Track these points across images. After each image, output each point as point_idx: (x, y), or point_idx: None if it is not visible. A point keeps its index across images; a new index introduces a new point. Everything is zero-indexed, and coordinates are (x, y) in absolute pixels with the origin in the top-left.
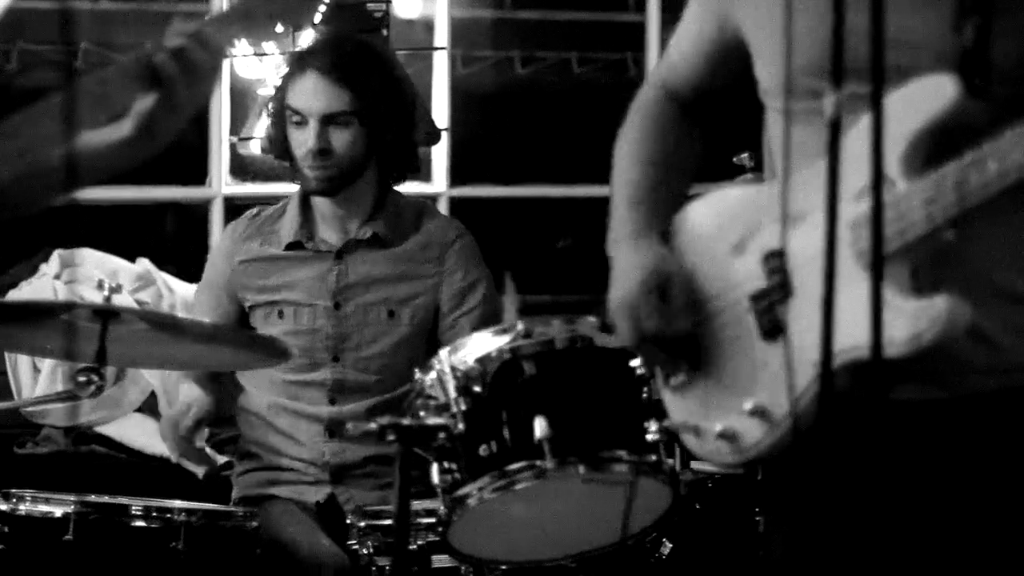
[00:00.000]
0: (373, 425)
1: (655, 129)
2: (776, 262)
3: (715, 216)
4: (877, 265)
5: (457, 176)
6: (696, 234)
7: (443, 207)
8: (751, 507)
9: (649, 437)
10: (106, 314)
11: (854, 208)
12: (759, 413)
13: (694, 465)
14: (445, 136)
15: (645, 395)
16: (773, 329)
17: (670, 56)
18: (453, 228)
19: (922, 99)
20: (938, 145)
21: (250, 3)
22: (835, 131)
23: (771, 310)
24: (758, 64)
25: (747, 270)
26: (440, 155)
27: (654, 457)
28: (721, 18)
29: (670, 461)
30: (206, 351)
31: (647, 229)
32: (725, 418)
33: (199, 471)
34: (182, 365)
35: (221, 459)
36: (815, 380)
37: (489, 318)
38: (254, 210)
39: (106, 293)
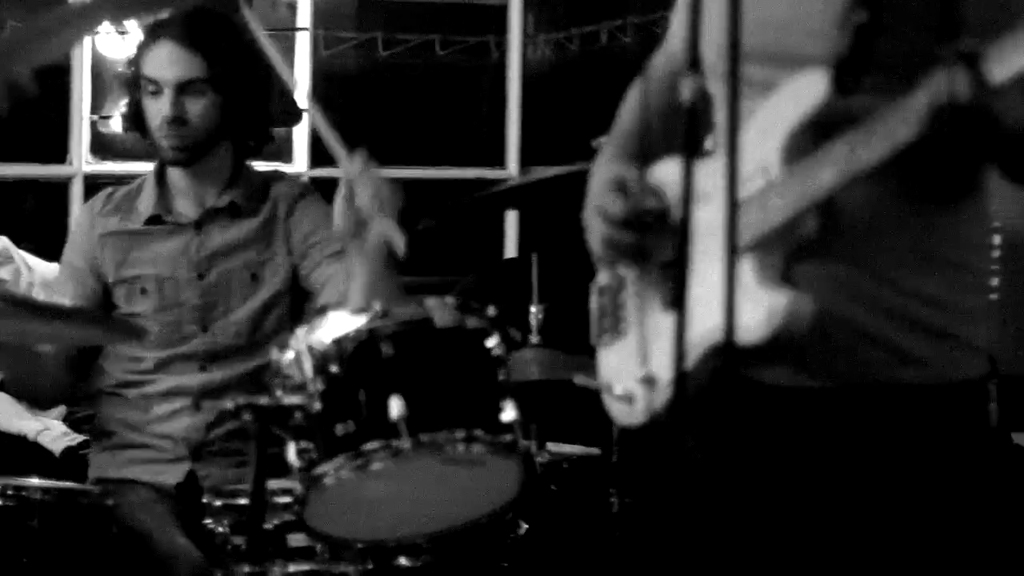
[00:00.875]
0: (229, 404)
1: (655, 83)
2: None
3: (661, 179)
4: (731, 252)
5: (318, 157)
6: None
7: None
8: (606, 488)
9: (504, 417)
10: None
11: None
12: (648, 381)
13: (550, 446)
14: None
15: (502, 376)
16: (670, 299)
17: (671, 45)
18: (298, 185)
19: (796, 94)
20: (822, 136)
21: None
22: (691, 117)
23: (674, 280)
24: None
25: (663, 235)
26: (301, 136)
27: (509, 437)
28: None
29: (525, 442)
30: (65, 328)
31: (624, 159)
32: (628, 380)
33: (56, 449)
34: (39, 340)
35: (78, 437)
36: (700, 358)
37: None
38: (109, 188)
39: None
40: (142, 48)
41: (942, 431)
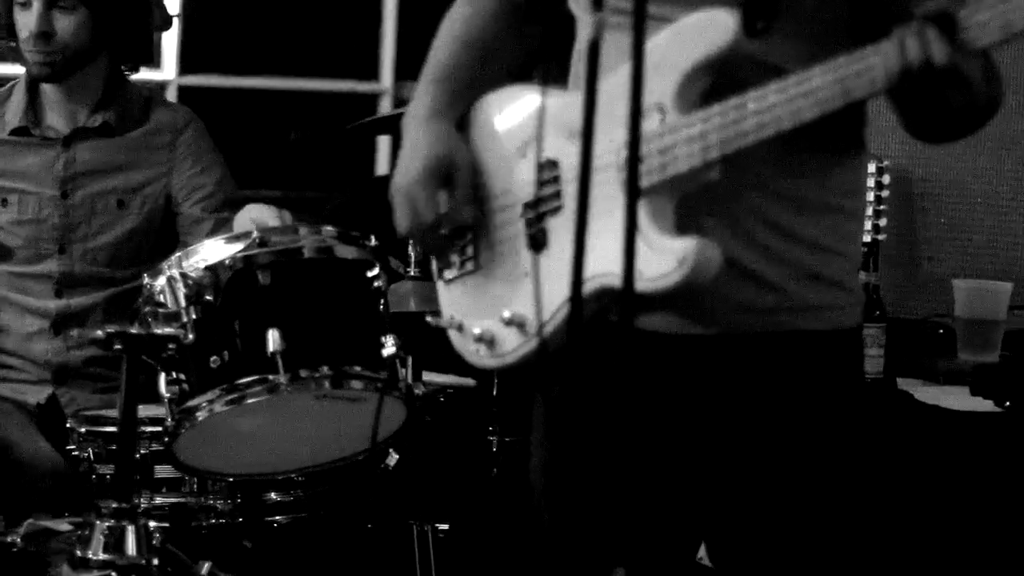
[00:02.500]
0: (99, 333)
1: (479, 12)
2: (550, 173)
3: (508, 113)
4: (632, 195)
5: (187, 63)
6: (487, 128)
7: (172, 95)
8: (484, 424)
9: (385, 352)
10: None
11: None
12: (516, 323)
13: (426, 377)
14: (176, 22)
15: (382, 308)
16: (538, 240)
17: None
18: (182, 115)
19: (701, 33)
20: (721, 78)
21: None
22: (594, 53)
23: (540, 220)
24: None
25: (526, 176)
26: (170, 42)
27: (388, 373)
28: None
29: (404, 375)
30: None
31: (444, 110)
32: (486, 320)
33: None
34: None
35: None
36: (566, 301)
37: (223, 204)
38: None
39: None
40: None
41: (825, 378)
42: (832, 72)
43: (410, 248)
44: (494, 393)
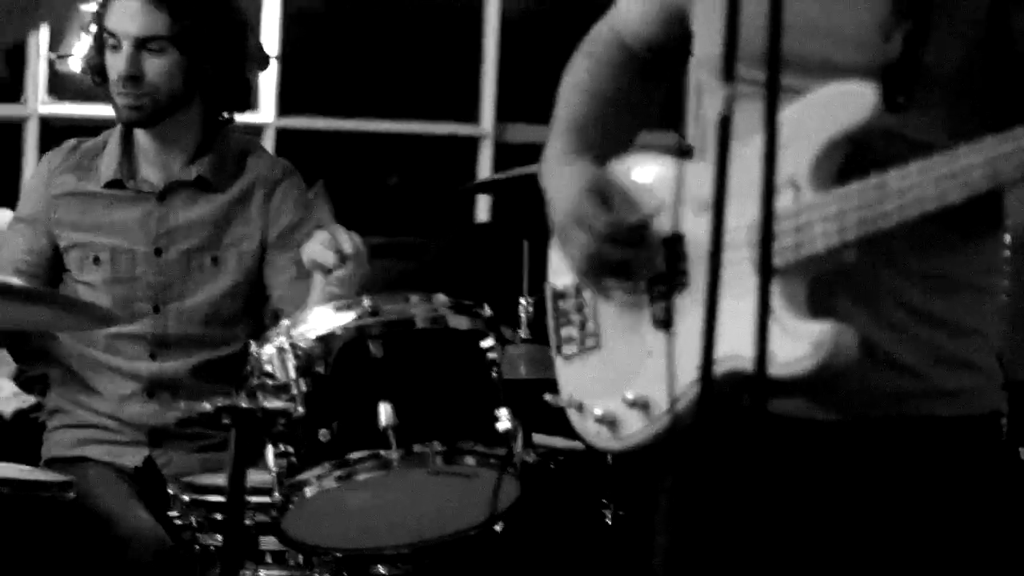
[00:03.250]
0: (207, 406)
1: (606, 65)
2: (675, 248)
3: (632, 182)
4: (765, 275)
5: (286, 105)
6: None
7: (270, 137)
8: (597, 495)
9: (500, 427)
10: None
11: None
12: (640, 404)
13: (537, 439)
14: (273, 63)
15: (496, 381)
16: (663, 318)
17: (620, 6)
18: (280, 167)
19: (840, 106)
20: (857, 153)
21: None
22: (724, 129)
23: (665, 297)
24: (696, 38)
25: (651, 249)
26: (267, 83)
27: (504, 450)
28: None
29: (520, 453)
30: (21, 310)
31: (582, 153)
32: (608, 401)
33: (6, 411)
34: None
35: (30, 400)
36: (696, 382)
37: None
38: (73, 141)
39: None
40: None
41: (966, 464)
42: (981, 152)
43: (520, 310)
44: (608, 461)
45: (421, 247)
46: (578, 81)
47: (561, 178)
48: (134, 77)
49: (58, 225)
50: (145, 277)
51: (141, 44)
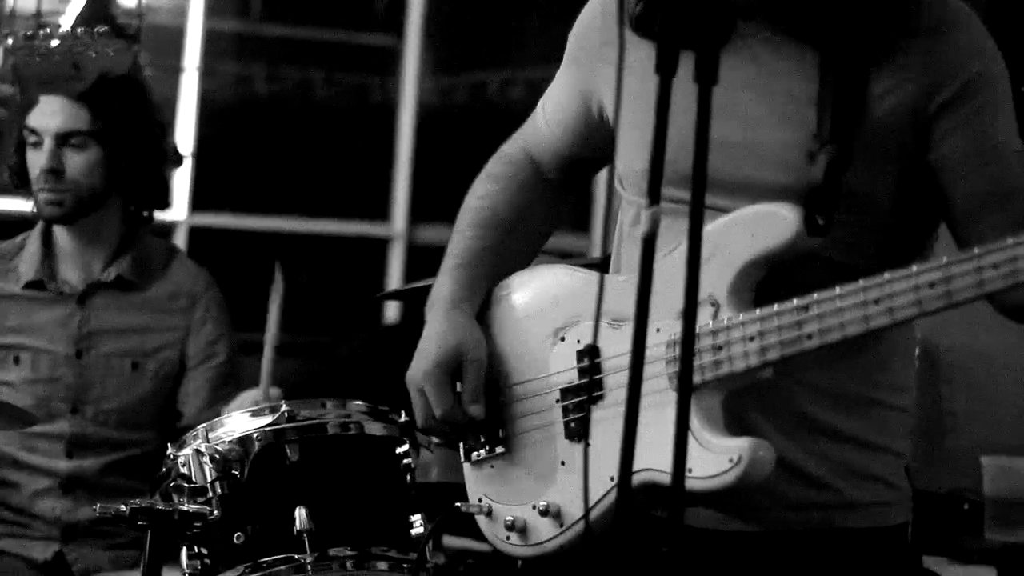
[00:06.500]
0: (123, 508)
1: (506, 189)
2: (589, 361)
3: (539, 295)
4: (685, 391)
5: (199, 201)
6: (516, 310)
7: (182, 234)
8: None
9: (413, 532)
10: None
11: (677, 326)
12: (552, 513)
13: (446, 542)
14: (188, 161)
15: (410, 484)
16: (577, 429)
17: (536, 122)
18: (203, 279)
19: (761, 228)
20: (776, 273)
21: None
22: (649, 246)
23: (578, 409)
24: (619, 154)
25: (563, 360)
26: (180, 180)
27: (417, 555)
28: (587, 97)
29: (434, 560)
30: None
31: (466, 296)
32: (517, 508)
33: None
34: None
35: None
36: (611, 493)
37: (228, 377)
38: None
39: None
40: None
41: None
42: (908, 280)
43: None
44: (518, 565)
45: (329, 346)
46: (477, 207)
47: (433, 325)
48: (55, 171)
49: None
50: (65, 379)
51: (63, 140)
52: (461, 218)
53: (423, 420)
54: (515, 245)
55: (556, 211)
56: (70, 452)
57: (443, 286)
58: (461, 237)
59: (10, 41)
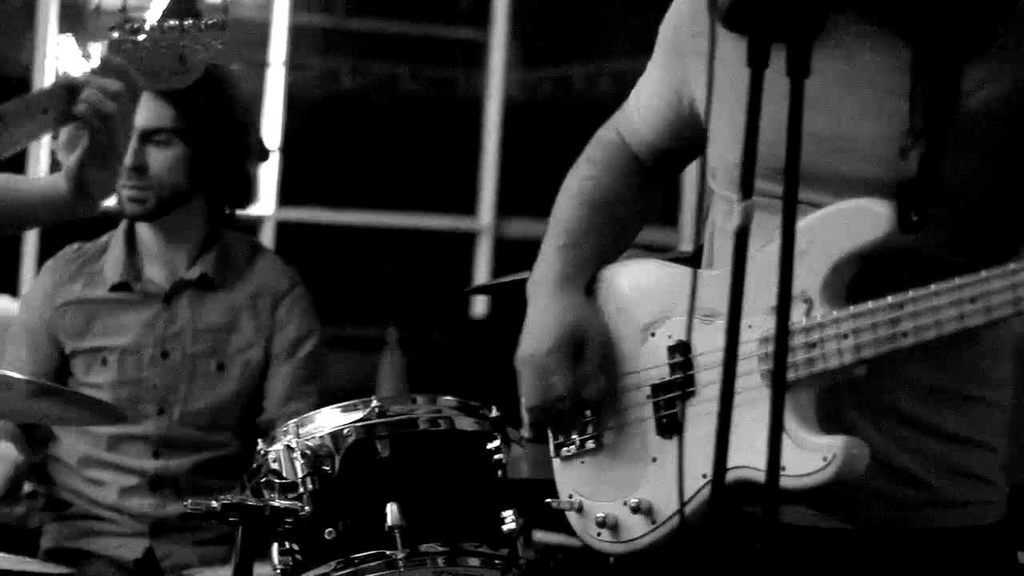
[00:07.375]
0: (215, 504)
1: (609, 172)
2: (681, 356)
3: (631, 289)
4: (779, 389)
5: (286, 197)
6: (613, 300)
7: (269, 230)
8: None
9: (505, 528)
10: None
11: (768, 322)
12: (644, 510)
13: (537, 538)
14: (274, 155)
15: (502, 480)
16: (669, 425)
17: (628, 111)
18: (287, 277)
19: (854, 223)
20: (868, 268)
21: None
22: (742, 240)
23: (670, 405)
24: (711, 147)
25: (654, 356)
26: (267, 175)
27: (509, 551)
28: (678, 88)
29: (526, 555)
30: (31, 404)
31: (573, 277)
32: (609, 505)
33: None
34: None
35: (27, 487)
36: (703, 490)
37: (312, 374)
38: (75, 245)
39: None
40: None
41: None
42: (1005, 279)
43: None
44: (610, 561)
45: (414, 340)
46: (578, 191)
47: (545, 304)
48: (139, 168)
49: (64, 333)
50: (151, 379)
51: (146, 136)
52: (562, 199)
53: (541, 399)
54: (617, 229)
55: (652, 199)
56: (157, 452)
57: (549, 266)
58: (562, 219)
59: (116, 35)
